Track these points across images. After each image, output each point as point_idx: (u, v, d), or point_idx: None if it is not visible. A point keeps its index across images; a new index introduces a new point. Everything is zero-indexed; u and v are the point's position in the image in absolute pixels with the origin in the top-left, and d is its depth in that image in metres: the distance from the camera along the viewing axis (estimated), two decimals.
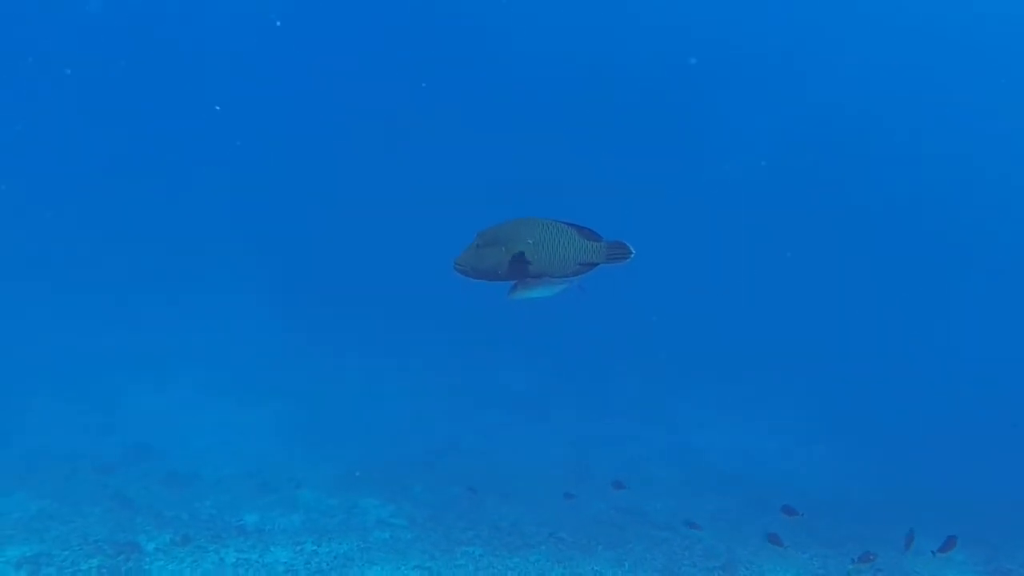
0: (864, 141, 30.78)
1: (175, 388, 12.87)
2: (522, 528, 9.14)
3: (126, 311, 15.38)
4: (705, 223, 28.03)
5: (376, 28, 29.51)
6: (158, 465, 10.19)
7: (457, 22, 29.34)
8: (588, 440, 13.27)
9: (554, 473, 11.68)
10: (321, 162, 28.00)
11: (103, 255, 18.40)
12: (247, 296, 15.34)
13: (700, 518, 10.32)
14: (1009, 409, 15.45)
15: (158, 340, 14.15)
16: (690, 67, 29.10)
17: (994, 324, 23.30)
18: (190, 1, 28.00)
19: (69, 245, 19.25)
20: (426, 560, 7.60)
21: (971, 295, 25.84)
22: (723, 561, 8.46)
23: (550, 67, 29.62)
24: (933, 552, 6.92)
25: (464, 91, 30.01)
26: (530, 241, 2.33)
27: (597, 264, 2.44)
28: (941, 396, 17.17)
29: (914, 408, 16.09)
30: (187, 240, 21.01)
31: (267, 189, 26.29)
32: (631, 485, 11.51)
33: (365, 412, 12.51)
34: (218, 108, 27.39)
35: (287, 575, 6.91)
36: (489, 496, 10.26)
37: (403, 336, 14.99)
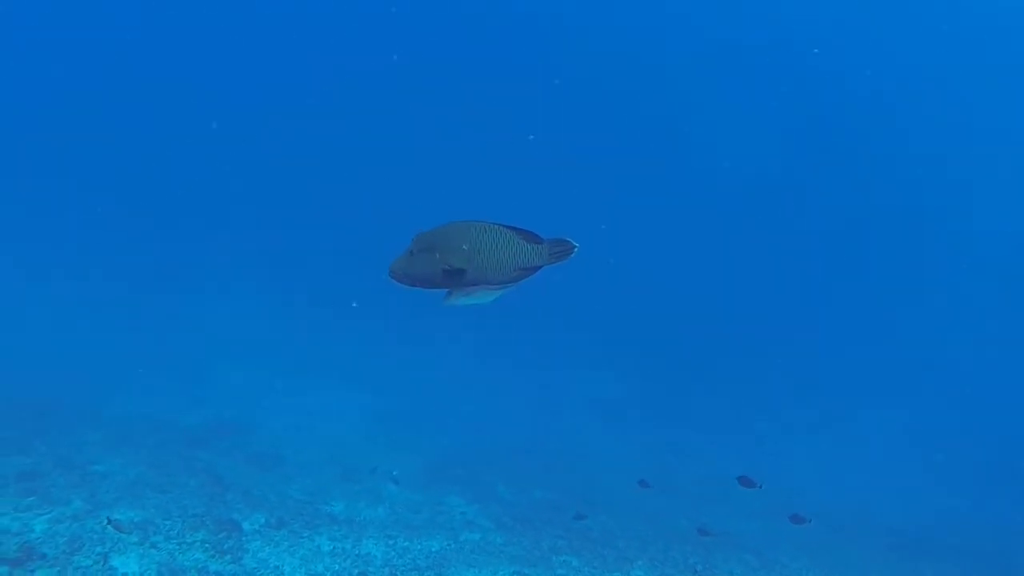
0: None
1: (263, 369, 12.94)
2: (614, 541, 8.76)
3: (225, 296, 15.66)
4: (810, 246, 27.24)
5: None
6: (244, 442, 10.19)
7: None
8: (671, 452, 12.80)
9: (636, 483, 11.24)
10: (408, 163, 28.14)
11: (209, 248, 19.08)
12: (339, 287, 15.36)
13: (782, 545, 9.90)
14: None
15: (250, 324, 14.31)
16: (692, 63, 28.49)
17: None
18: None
19: (173, 243, 20.03)
20: (524, 567, 7.30)
21: None
22: None
23: (557, 67, 29.14)
24: None
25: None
26: (465, 247, 2.18)
27: (539, 268, 2.28)
28: None
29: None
30: (286, 232, 21.47)
31: (361, 187, 26.54)
32: (714, 504, 11.05)
33: (448, 409, 12.32)
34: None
35: (384, 568, 6.70)
36: (573, 502, 9.92)
37: (489, 335, 14.79)
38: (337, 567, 6.60)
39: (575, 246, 2.29)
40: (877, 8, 26.37)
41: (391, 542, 7.48)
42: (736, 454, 13.50)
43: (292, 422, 11.12)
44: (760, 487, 6.79)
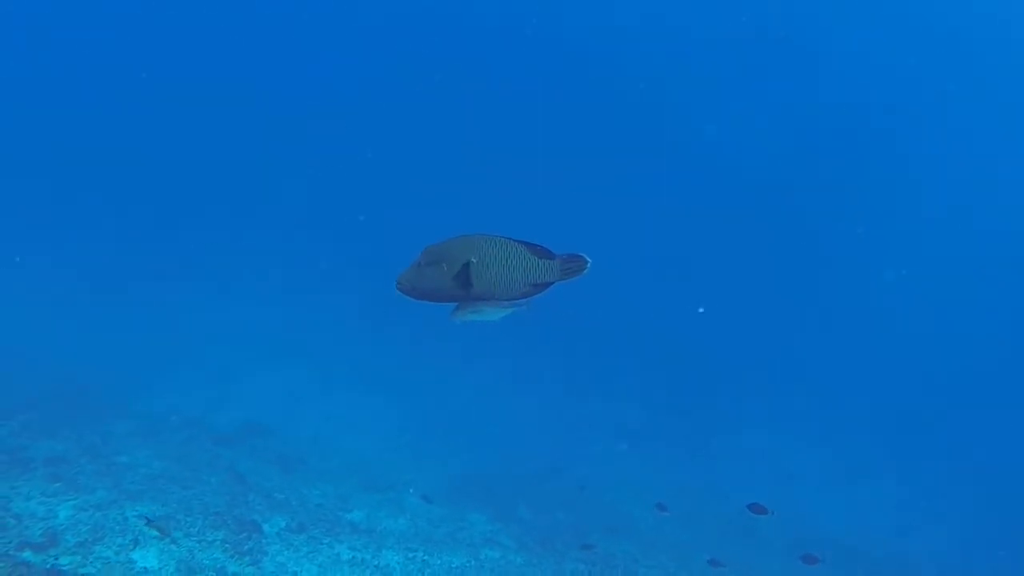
0: None
1: (290, 373, 12.95)
2: (636, 569, 8.51)
3: (258, 299, 15.79)
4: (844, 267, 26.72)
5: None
6: (268, 444, 10.15)
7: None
8: (698, 483, 12.45)
9: (659, 513, 10.96)
10: (456, 171, 28.33)
11: (244, 249, 19.38)
12: (370, 295, 15.39)
13: None
14: None
15: (281, 327, 14.37)
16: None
17: None
18: None
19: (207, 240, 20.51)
20: None
21: None
22: None
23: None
24: None
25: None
26: (474, 260, 2.12)
27: (550, 284, 2.20)
28: None
29: None
30: (321, 237, 21.66)
31: (409, 193, 26.73)
32: (738, 537, 10.72)
33: (474, 427, 12.17)
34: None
35: None
36: (595, 529, 9.68)
37: (518, 356, 14.68)
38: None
39: (588, 261, 2.21)
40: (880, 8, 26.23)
41: (411, 555, 7.34)
42: (765, 489, 13.12)
43: (317, 428, 11.07)
44: (772, 514, 6.50)
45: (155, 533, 6.46)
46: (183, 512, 7.05)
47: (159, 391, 11.21)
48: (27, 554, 5.79)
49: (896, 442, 16.13)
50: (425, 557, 7.34)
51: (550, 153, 28.03)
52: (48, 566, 5.63)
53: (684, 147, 29.52)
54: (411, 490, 9.14)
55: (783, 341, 20.75)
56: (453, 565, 7.30)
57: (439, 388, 13.59)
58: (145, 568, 5.87)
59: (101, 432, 9.33)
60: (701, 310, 16.44)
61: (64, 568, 5.70)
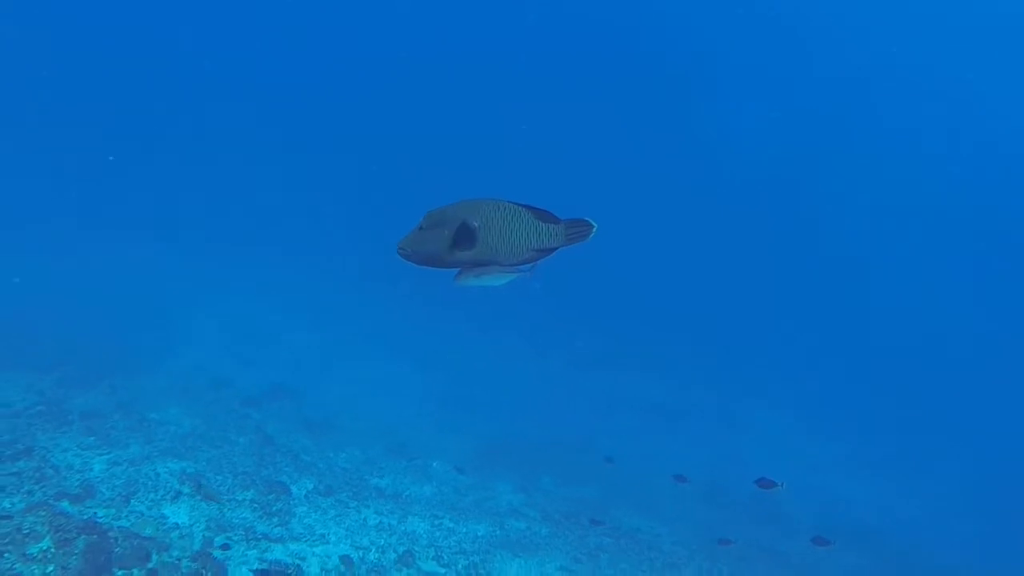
0: None
1: (314, 336, 13.01)
2: (661, 545, 8.45)
3: (288, 263, 15.87)
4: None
5: None
6: (295, 406, 10.22)
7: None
8: (721, 458, 12.33)
9: (686, 489, 10.88)
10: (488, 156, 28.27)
11: (273, 213, 19.59)
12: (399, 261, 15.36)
13: (825, 567, 9.49)
14: None
15: (311, 291, 14.42)
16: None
17: None
18: None
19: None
20: (570, 562, 7.07)
21: None
22: None
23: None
24: None
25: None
26: (476, 223, 2.09)
27: (555, 249, 2.17)
28: None
29: None
30: (348, 203, 21.79)
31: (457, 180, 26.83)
32: (765, 517, 10.62)
33: (500, 396, 12.15)
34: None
35: (430, 548, 6.56)
36: (620, 503, 9.64)
37: (546, 329, 14.59)
38: (382, 541, 6.49)
39: (593, 226, 2.16)
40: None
41: (437, 522, 7.35)
42: (791, 470, 12.96)
43: (345, 391, 11.11)
44: (782, 486, 6.28)
45: (187, 490, 6.54)
46: (213, 471, 7.12)
47: (187, 349, 11.34)
48: (65, 504, 5.88)
49: (926, 432, 15.84)
50: (451, 525, 7.35)
51: (590, 133, 27.85)
52: (85, 517, 5.72)
53: (733, 129, 29.21)
54: (435, 464, 9.14)
55: (809, 324, 20.44)
56: (478, 534, 7.29)
57: (464, 355, 13.58)
58: (176, 524, 5.93)
59: (133, 388, 9.46)
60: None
61: (100, 519, 5.79)
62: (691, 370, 15.25)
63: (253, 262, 15.84)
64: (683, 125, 29.24)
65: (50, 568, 4.48)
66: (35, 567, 4.47)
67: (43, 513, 4.81)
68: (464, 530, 7.33)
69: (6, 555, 4.43)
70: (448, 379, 12.63)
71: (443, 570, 6.20)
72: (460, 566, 6.33)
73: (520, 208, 2.13)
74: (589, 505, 9.39)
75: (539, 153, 27.27)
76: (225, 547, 5.74)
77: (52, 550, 4.58)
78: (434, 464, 9.21)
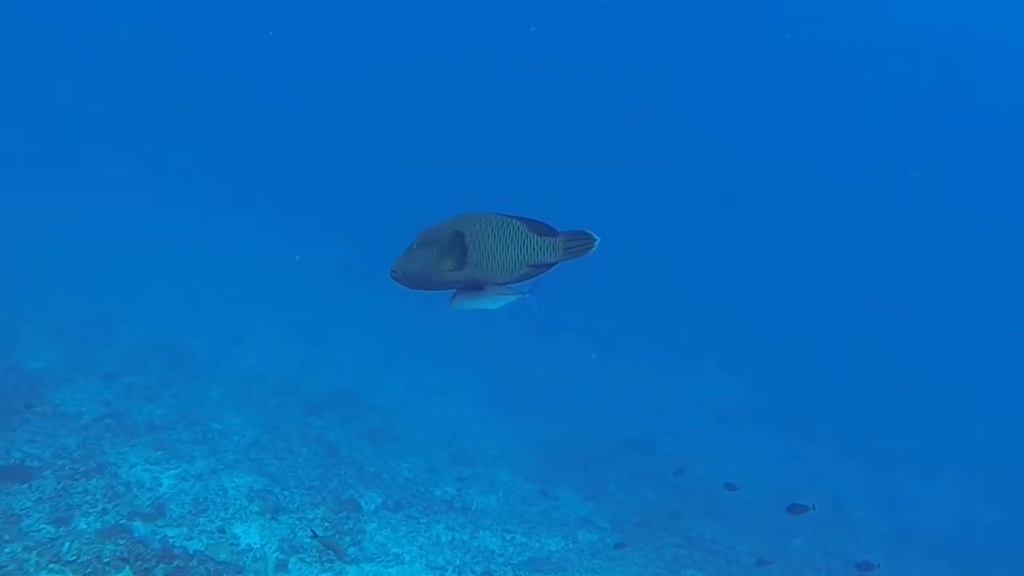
0: None
1: (377, 341, 12.88)
2: (739, 558, 8.06)
3: (344, 267, 15.84)
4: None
5: None
6: (357, 414, 10.07)
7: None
8: (795, 465, 11.85)
9: (754, 495, 10.44)
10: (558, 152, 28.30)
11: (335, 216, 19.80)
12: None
13: None
14: None
15: (369, 294, 14.28)
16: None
17: None
18: None
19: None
20: None
21: None
22: None
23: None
24: None
25: None
26: (466, 239, 1.94)
27: (552, 264, 1.99)
28: None
29: None
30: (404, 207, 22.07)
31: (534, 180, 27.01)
32: (833, 525, 10.13)
33: (560, 400, 11.86)
34: None
35: (507, 568, 6.31)
36: (688, 510, 9.26)
37: (606, 328, 14.25)
38: (458, 561, 6.26)
39: (596, 239, 1.98)
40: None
41: (508, 536, 7.10)
42: (867, 475, 12.40)
43: (402, 397, 10.96)
44: (813, 508, 6.01)
45: (256, 508, 6.42)
46: (280, 486, 6.99)
47: (249, 353, 11.31)
48: (137, 524, 5.80)
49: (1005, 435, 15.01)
50: (523, 539, 7.09)
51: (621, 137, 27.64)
52: (159, 538, 5.62)
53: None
54: (499, 472, 8.90)
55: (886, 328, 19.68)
56: (551, 549, 7.02)
57: (521, 360, 13.31)
58: (249, 546, 5.80)
59: (196, 397, 9.43)
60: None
61: (172, 541, 5.69)
62: (756, 372, 14.72)
63: (306, 267, 15.85)
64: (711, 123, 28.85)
65: None
66: None
67: (122, 541, 4.69)
68: (536, 544, 7.07)
69: None
70: (504, 382, 12.38)
71: None
72: None
73: (514, 220, 1.97)
74: (658, 511, 9.05)
75: (565, 157, 27.23)
76: None
77: None
78: (498, 473, 8.97)
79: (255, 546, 5.81)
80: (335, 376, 10.99)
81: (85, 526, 5.52)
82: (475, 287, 2.03)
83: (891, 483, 12.62)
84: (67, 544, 4.71)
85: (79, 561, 4.56)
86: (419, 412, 10.56)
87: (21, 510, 5.48)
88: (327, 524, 6.27)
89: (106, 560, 4.56)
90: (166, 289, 13.40)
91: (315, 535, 3.97)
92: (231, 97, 28.88)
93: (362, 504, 6.96)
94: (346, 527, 6.31)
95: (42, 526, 5.34)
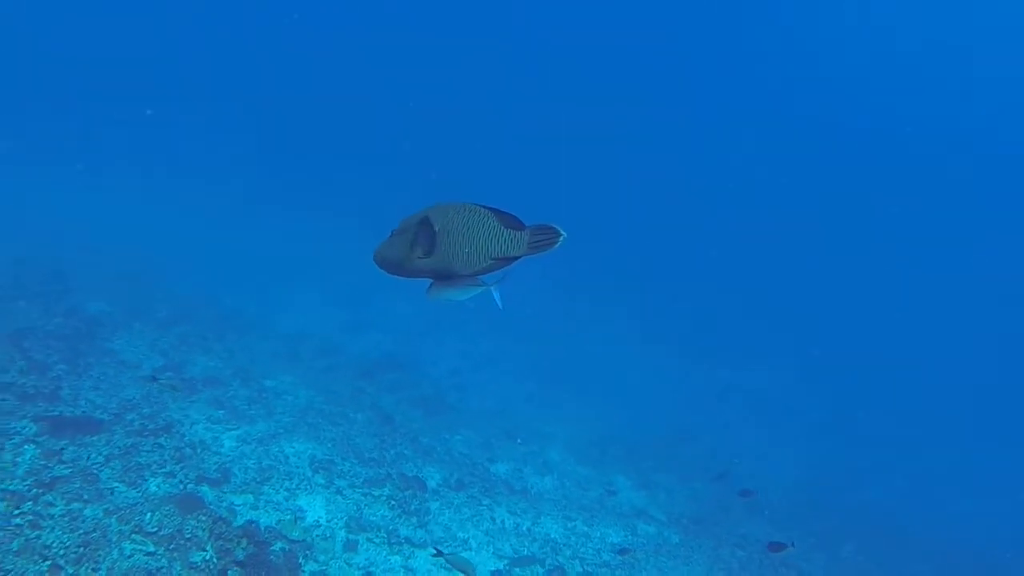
0: None
1: (418, 306, 12.67)
2: (799, 565, 7.88)
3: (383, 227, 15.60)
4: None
5: None
6: (407, 381, 9.92)
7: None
8: (832, 466, 11.59)
9: (798, 496, 10.24)
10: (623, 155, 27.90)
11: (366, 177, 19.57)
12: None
13: None
14: None
15: None
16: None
17: None
18: None
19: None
20: None
21: None
22: None
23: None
24: None
25: None
26: (436, 228, 1.94)
27: (516, 258, 1.96)
28: None
29: None
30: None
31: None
32: (879, 532, 9.92)
33: (603, 379, 11.62)
34: None
35: (575, 561, 6.15)
36: (736, 502, 9.06)
37: (654, 319, 13.95)
38: (524, 550, 6.11)
39: (561, 235, 1.94)
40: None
41: (570, 524, 6.94)
42: (902, 480, 12.10)
43: (454, 366, 10.79)
44: (791, 546, 5.69)
45: (321, 480, 6.30)
46: (339, 455, 6.86)
47: (293, 313, 11.17)
48: (204, 488, 5.69)
49: None
50: (584, 528, 6.94)
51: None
52: (225, 505, 5.52)
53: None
54: (552, 453, 8.72)
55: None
56: (613, 540, 6.86)
57: (568, 339, 13.04)
58: (317, 521, 5.68)
59: (247, 352, 9.32)
60: None
61: (239, 509, 5.59)
62: (800, 368, 14.37)
63: (353, 231, 15.68)
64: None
65: None
66: None
67: (204, 518, 4.56)
68: (598, 535, 6.91)
69: (175, 565, 4.20)
70: (550, 359, 12.15)
71: None
72: None
73: (484, 211, 1.96)
74: (709, 504, 8.88)
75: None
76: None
77: (214, 560, 4.32)
78: (551, 452, 8.81)
79: (322, 522, 5.69)
80: (380, 340, 10.82)
81: (156, 488, 5.41)
82: (445, 277, 2.01)
83: (937, 497, 12.31)
84: (148, 515, 4.59)
85: (160, 534, 4.44)
86: (469, 382, 10.39)
87: (94, 465, 5.38)
88: (392, 502, 6.13)
89: (188, 536, 4.43)
90: (211, 251, 13.26)
91: (439, 552, 3.77)
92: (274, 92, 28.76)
93: (427, 481, 6.81)
94: (412, 507, 6.17)
95: (116, 484, 5.24)
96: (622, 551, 6.26)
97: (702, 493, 9.24)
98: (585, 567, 6.09)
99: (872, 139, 28.10)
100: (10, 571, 3.77)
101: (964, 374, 17.09)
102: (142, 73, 26.49)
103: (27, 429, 5.52)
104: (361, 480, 6.39)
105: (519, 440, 8.93)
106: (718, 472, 9.39)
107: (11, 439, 5.31)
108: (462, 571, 3.67)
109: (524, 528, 6.54)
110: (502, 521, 6.53)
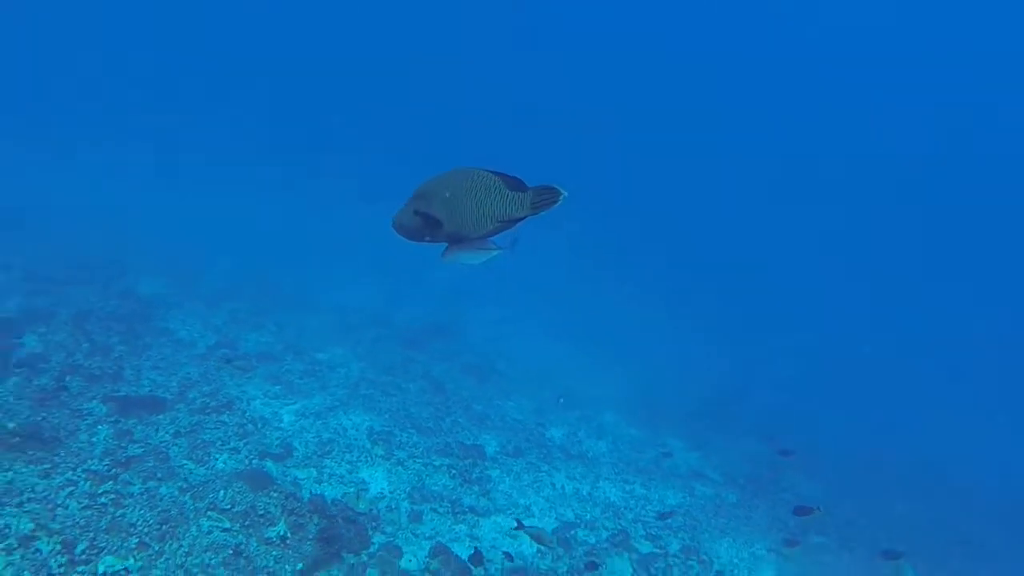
0: None
1: (468, 275, 12.66)
2: (857, 521, 7.78)
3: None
4: None
5: None
6: (456, 348, 9.95)
7: None
8: (880, 428, 11.37)
9: (854, 461, 10.06)
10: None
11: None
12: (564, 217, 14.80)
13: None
14: None
15: None
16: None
17: None
18: None
19: None
20: (778, 545, 6.53)
21: None
22: None
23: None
24: None
25: None
26: (447, 194, 1.99)
27: (520, 219, 2.01)
28: None
29: None
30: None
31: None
32: (934, 492, 9.74)
33: (640, 345, 11.50)
34: None
35: (637, 524, 6.15)
36: (785, 460, 8.95)
37: (696, 285, 13.75)
38: (587, 516, 6.13)
39: (562, 194, 2.00)
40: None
41: (628, 488, 6.94)
42: (949, 438, 11.82)
43: (499, 332, 10.79)
44: (819, 510, 5.53)
45: (380, 452, 6.37)
46: (397, 427, 6.92)
47: (335, 287, 11.24)
48: (268, 464, 5.80)
49: None
50: (643, 491, 6.93)
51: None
52: (290, 480, 5.61)
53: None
54: (606, 415, 8.70)
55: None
56: (672, 503, 6.85)
57: (606, 303, 12.91)
58: (381, 493, 5.75)
59: (297, 326, 9.41)
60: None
61: (303, 483, 5.68)
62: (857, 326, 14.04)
63: (385, 208, 15.69)
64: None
65: (288, 553, 4.31)
66: (274, 551, 4.31)
67: (276, 495, 4.63)
68: (656, 497, 6.90)
69: (252, 541, 4.28)
70: (598, 327, 12.05)
71: (660, 551, 5.79)
72: (674, 548, 5.90)
73: (491, 175, 2.03)
74: (761, 464, 8.79)
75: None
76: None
77: (288, 535, 4.40)
78: (603, 416, 8.79)
79: (386, 494, 5.75)
80: (428, 308, 10.83)
81: (223, 465, 5.52)
82: (456, 240, 2.08)
83: (996, 454, 12.02)
84: (221, 492, 4.68)
85: (234, 511, 4.53)
86: (514, 347, 10.38)
87: (163, 443, 5.50)
88: (453, 471, 6.18)
89: (261, 512, 4.51)
90: (253, 232, 13.37)
91: (520, 525, 3.79)
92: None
93: (485, 449, 6.84)
94: (473, 475, 6.21)
95: (184, 462, 5.35)
96: (661, 515, 6.23)
97: (755, 453, 9.15)
98: (648, 530, 6.09)
99: None
100: (103, 548, 3.88)
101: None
102: (185, 65, 27.20)
103: (98, 410, 5.66)
104: (420, 450, 6.44)
105: (571, 404, 8.91)
106: (768, 433, 9.29)
107: (85, 419, 5.45)
108: (540, 542, 3.68)
109: (584, 493, 6.55)
110: (562, 487, 6.55)
